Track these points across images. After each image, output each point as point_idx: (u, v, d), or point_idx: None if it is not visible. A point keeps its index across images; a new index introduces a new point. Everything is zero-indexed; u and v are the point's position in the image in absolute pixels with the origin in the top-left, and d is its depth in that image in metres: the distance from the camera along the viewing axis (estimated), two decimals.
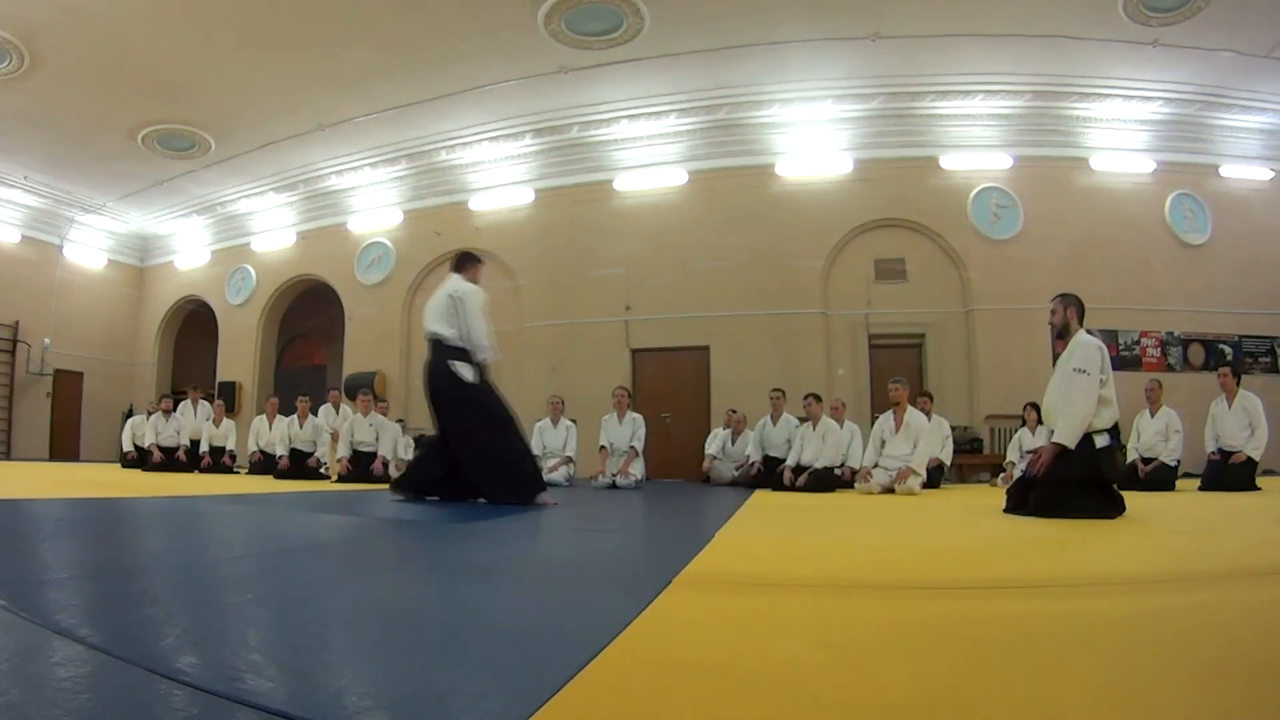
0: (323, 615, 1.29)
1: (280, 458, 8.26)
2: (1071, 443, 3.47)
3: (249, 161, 11.82)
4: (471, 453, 4.08)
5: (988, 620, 1.26)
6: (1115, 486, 3.61)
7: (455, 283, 4.28)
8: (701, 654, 1.01)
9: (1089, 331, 3.82)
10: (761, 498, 5.58)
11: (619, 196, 10.89)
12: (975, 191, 9.95)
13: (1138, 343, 9.66)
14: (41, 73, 9.10)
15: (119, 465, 9.75)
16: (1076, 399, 3.50)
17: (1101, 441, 3.54)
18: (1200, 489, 6.40)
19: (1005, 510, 3.72)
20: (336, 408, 8.58)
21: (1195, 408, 7.16)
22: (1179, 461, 6.89)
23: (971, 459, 9.14)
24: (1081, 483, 3.44)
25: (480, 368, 4.18)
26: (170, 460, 9.06)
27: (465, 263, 4.46)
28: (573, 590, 1.60)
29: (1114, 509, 3.42)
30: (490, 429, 4.13)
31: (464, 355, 4.14)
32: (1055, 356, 3.97)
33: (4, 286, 12.55)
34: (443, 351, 4.15)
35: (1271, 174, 10.21)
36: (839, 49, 8.94)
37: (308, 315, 14.12)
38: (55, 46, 8.61)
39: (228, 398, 12.33)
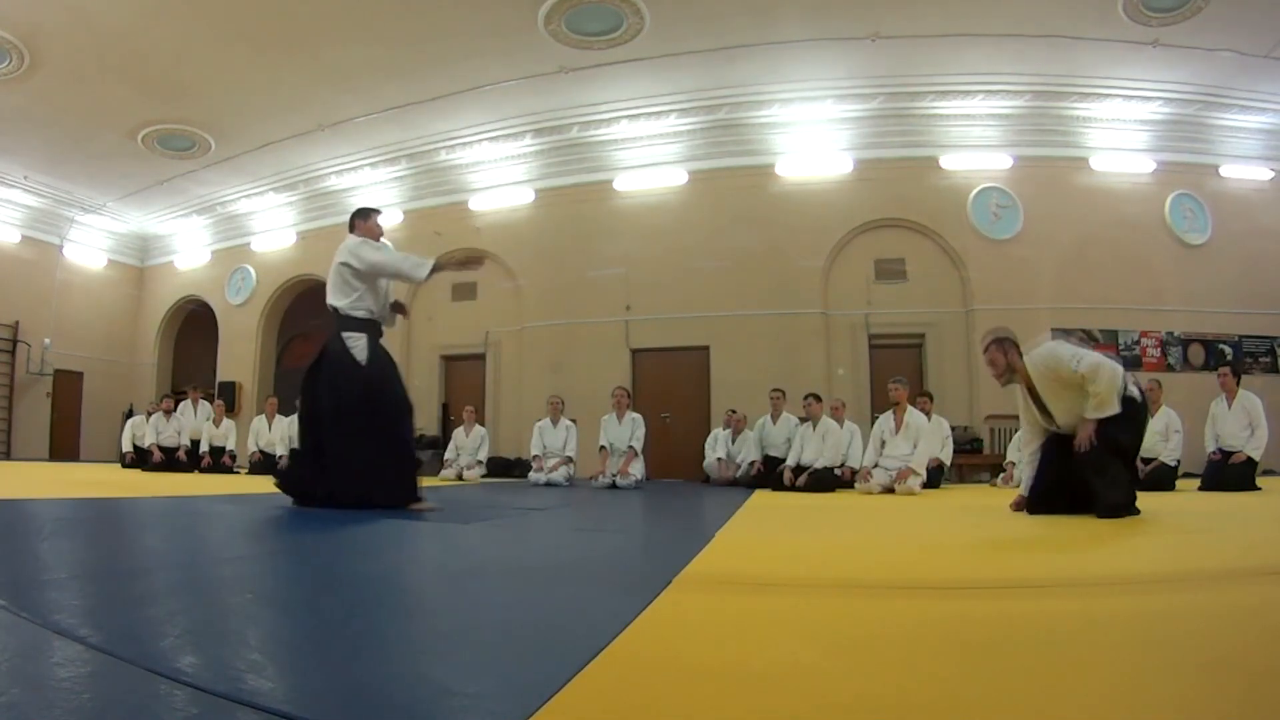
0: (322, 615, 1.29)
1: (280, 458, 8.26)
2: (1117, 408, 3.38)
3: (249, 161, 11.82)
4: (346, 445, 3.48)
5: (988, 620, 1.26)
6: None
7: (346, 245, 3.73)
8: (701, 654, 1.01)
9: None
10: (761, 498, 5.58)
11: (619, 196, 10.89)
12: (975, 191, 9.94)
13: (1138, 343, 9.66)
14: (41, 73, 9.09)
15: (119, 465, 9.75)
16: (1104, 371, 3.41)
17: (1136, 394, 3.51)
18: (1200, 489, 6.39)
19: (1029, 510, 3.64)
20: None
21: (1195, 408, 7.15)
22: (1179, 461, 6.89)
23: (971, 459, 9.14)
24: (1127, 451, 3.40)
25: (375, 342, 3.68)
26: (170, 460, 9.06)
27: (355, 221, 3.88)
28: (573, 590, 1.60)
29: (1133, 504, 3.36)
30: (375, 420, 3.54)
31: (362, 326, 3.66)
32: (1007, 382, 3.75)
33: (4, 286, 12.55)
34: (339, 323, 3.65)
35: (1271, 174, 10.20)
36: (839, 49, 8.93)
37: (308, 315, 14.08)
38: (55, 46, 8.61)
39: (228, 398, 12.32)
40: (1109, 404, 3.40)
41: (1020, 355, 3.68)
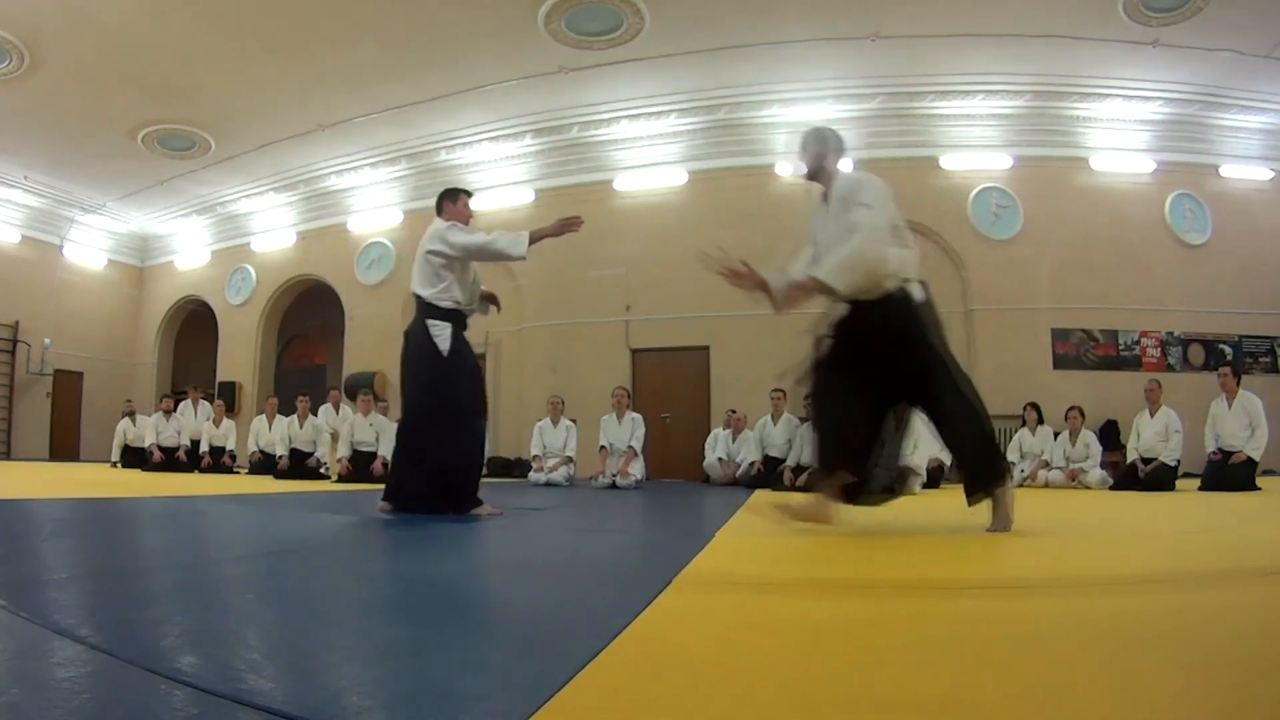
0: (323, 615, 1.30)
1: (280, 458, 8.26)
2: (839, 283, 2.68)
3: (249, 161, 11.82)
4: (419, 443, 3.34)
5: (987, 620, 1.26)
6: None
7: (433, 230, 3.48)
8: (701, 654, 1.01)
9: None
10: (762, 498, 5.58)
11: (619, 196, 10.89)
12: (975, 191, 9.94)
13: (1138, 343, 9.66)
14: (41, 73, 9.09)
15: (118, 467, 9.74)
16: (860, 235, 2.72)
17: (919, 294, 2.92)
18: (1200, 489, 6.39)
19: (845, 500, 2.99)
20: (336, 408, 8.59)
21: (1195, 408, 7.14)
22: (1179, 461, 6.88)
23: None
24: (905, 338, 2.78)
25: (460, 333, 3.45)
26: (170, 460, 9.07)
27: (443, 203, 3.60)
28: (573, 590, 1.60)
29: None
30: (449, 417, 3.35)
31: (447, 315, 3.42)
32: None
33: (4, 286, 12.55)
34: (423, 310, 3.42)
35: (1271, 174, 10.20)
36: (839, 49, 8.93)
37: (308, 315, 14.11)
38: (55, 46, 8.61)
39: (228, 398, 12.32)
40: (833, 268, 2.67)
41: (837, 164, 3.10)
